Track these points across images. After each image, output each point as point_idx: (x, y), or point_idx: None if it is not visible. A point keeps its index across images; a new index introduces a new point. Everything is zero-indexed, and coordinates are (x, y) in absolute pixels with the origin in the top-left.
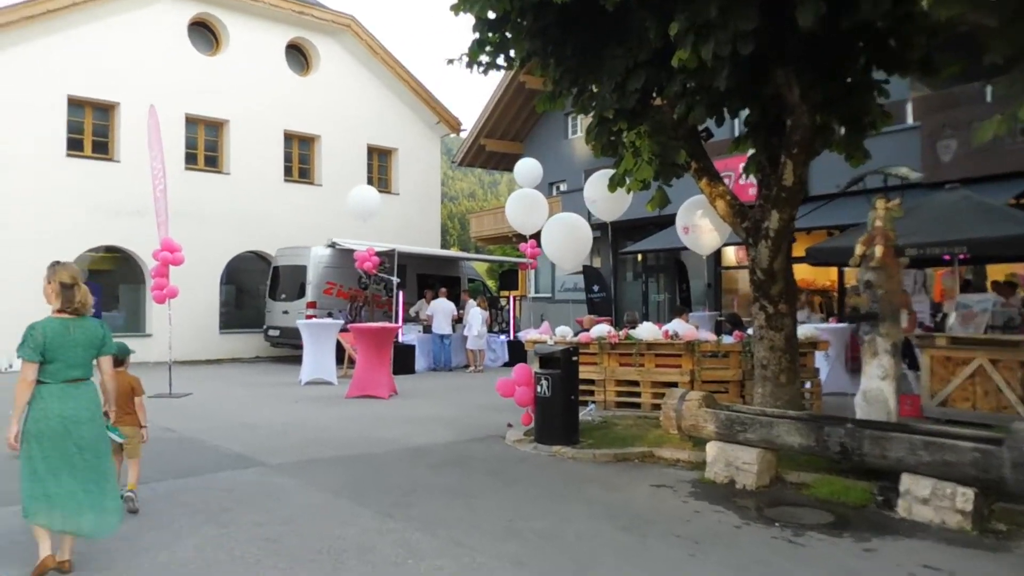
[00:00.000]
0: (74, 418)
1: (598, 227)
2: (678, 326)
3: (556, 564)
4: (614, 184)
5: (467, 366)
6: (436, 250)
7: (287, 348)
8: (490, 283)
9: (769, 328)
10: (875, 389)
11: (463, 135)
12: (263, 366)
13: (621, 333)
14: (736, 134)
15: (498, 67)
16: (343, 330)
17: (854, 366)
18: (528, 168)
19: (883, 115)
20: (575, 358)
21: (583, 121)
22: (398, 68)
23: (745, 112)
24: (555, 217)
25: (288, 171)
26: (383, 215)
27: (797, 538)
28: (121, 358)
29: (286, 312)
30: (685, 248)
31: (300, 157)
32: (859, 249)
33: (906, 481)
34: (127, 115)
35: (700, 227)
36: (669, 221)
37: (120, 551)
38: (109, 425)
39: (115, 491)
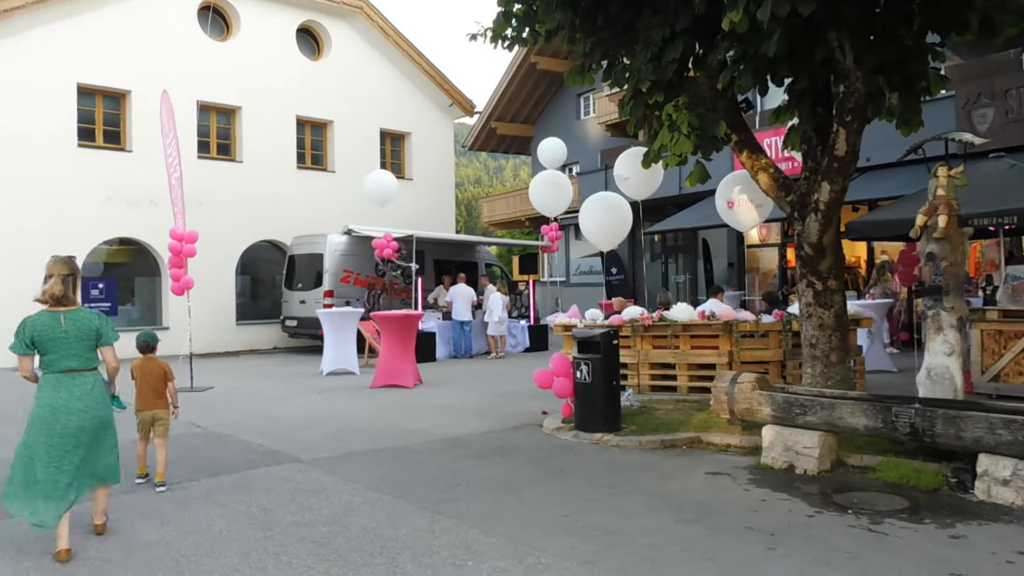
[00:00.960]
0: (63, 407)
1: None
2: (715, 306)
3: (626, 562)
4: (649, 160)
5: (488, 352)
6: (454, 235)
7: (305, 338)
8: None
9: (818, 305)
10: (941, 366)
11: (471, 120)
12: (281, 357)
13: (655, 315)
14: (771, 106)
15: (524, 41)
16: (363, 319)
17: (891, 343)
18: (552, 148)
19: (939, 79)
20: (615, 342)
21: (596, 102)
22: (410, 50)
23: (787, 82)
24: (594, 196)
25: (301, 158)
26: (397, 200)
27: (876, 526)
28: (152, 344)
29: (303, 302)
30: (707, 227)
31: (313, 143)
32: (920, 220)
33: (984, 462)
34: (138, 103)
35: (739, 202)
36: (689, 200)
37: (160, 559)
38: (114, 397)
39: (90, 478)
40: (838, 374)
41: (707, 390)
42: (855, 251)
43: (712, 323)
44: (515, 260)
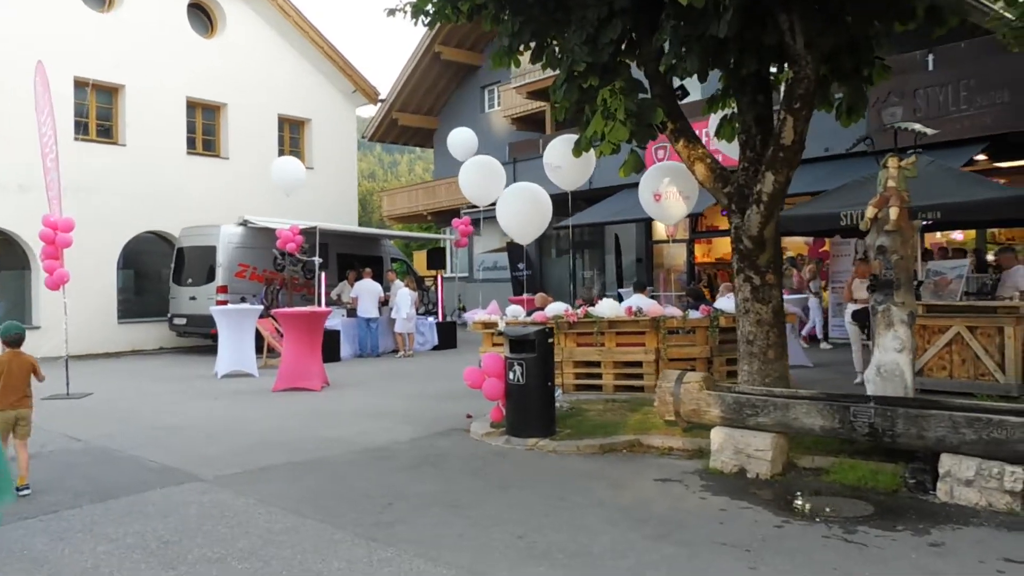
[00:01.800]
0: None
1: None
2: (641, 302)
3: None
4: (581, 148)
5: (395, 351)
6: (360, 228)
7: (196, 338)
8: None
9: (755, 301)
10: (891, 363)
11: (369, 113)
12: (169, 358)
13: (580, 311)
14: (696, 97)
15: (447, 18)
16: (262, 316)
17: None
18: (462, 138)
19: (883, 69)
20: (551, 340)
21: (501, 95)
22: (311, 32)
23: (722, 70)
24: (514, 186)
25: (191, 143)
26: (296, 190)
27: (851, 535)
28: (21, 337)
29: (193, 298)
30: (625, 221)
31: (204, 127)
32: (870, 211)
33: (947, 462)
34: (7, 77)
35: (667, 195)
36: (600, 195)
37: None
38: None
39: None
40: (776, 371)
41: (634, 389)
42: None
43: (640, 319)
44: (422, 255)
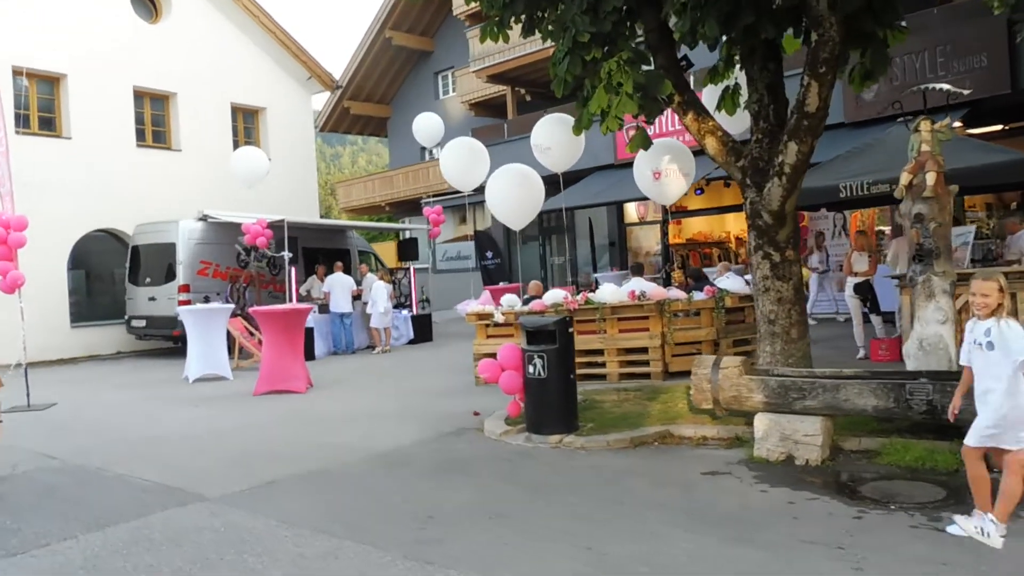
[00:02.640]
0: None
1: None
2: (643, 285)
3: None
4: (582, 125)
5: (370, 347)
6: (328, 220)
7: (156, 340)
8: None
9: (776, 278)
10: (934, 335)
11: (318, 104)
12: (130, 362)
13: (580, 298)
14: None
15: None
16: (232, 315)
17: None
18: (428, 123)
19: (900, 31)
20: (571, 329)
21: (458, 80)
22: (261, 15)
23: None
24: (504, 168)
25: (140, 134)
26: (258, 183)
27: (939, 523)
28: None
29: (153, 299)
30: (595, 205)
31: (154, 118)
32: (905, 178)
33: None
34: None
35: (668, 172)
36: (569, 180)
37: None
38: None
39: None
40: (799, 351)
41: (639, 376)
42: (725, 225)
43: (644, 303)
44: (385, 247)
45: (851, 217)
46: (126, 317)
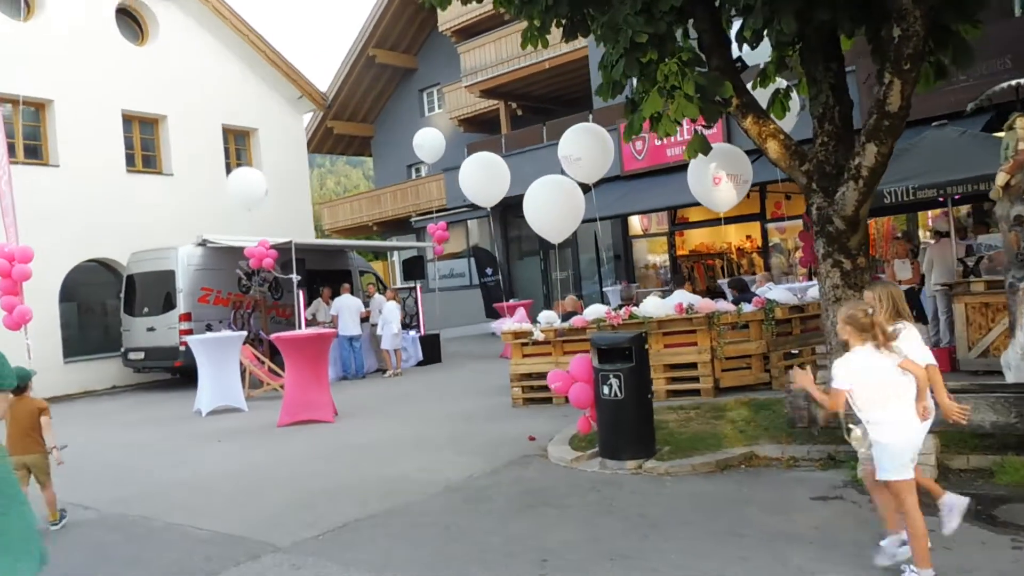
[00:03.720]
0: None
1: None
2: (687, 297)
3: None
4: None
5: (380, 370)
6: (331, 240)
7: (155, 372)
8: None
9: (847, 287)
10: None
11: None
12: (131, 398)
13: (623, 312)
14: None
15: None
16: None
17: None
18: (432, 137)
19: (974, 26)
20: (647, 346)
21: (447, 96)
22: (251, 35)
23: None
24: (542, 180)
25: (131, 159)
26: (257, 205)
27: None
28: (23, 384)
29: (151, 329)
30: (608, 218)
31: (143, 143)
32: (1002, 178)
33: None
34: None
35: (726, 178)
36: None
37: None
38: None
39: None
40: None
41: (687, 393)
42: (726, 237)
43: (693, 317)
44: (378, 265)
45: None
46: (122, 350)
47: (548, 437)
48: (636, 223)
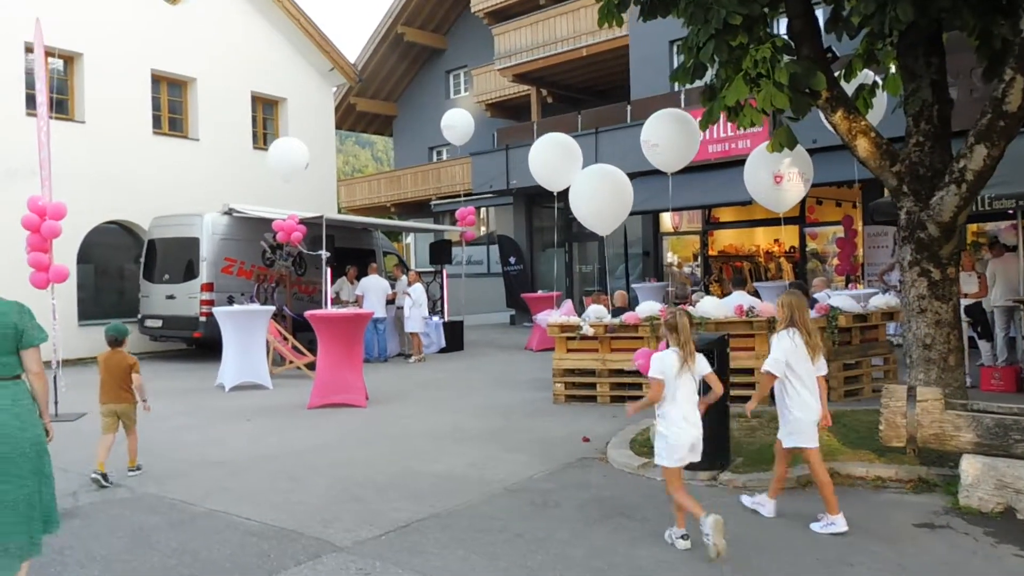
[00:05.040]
0: None
1: (509, 191)
2: (746, 299)
3: None
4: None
5: (402, 354)
6: (360, 218)
7: (172, 342)
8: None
9: (934, 298)
10: None
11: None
12: (147, 366)
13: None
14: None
15: None
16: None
17: None
18: (461, 120)
19: None
20: (728, 349)
21: (475, 79)
22: (286, 1)
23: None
24: (591, 169)
25: (157, 121)
26: (272, 177)
27: None
28: (120, 338)
29: (171, 297)
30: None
31: (171, 104)
32: None
33: None
34: None
35: (790, 176)
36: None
37: None
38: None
39: (26, 526)
40: (956, 380)
41: (744, 399)
42: (754, 239)
43: (753, 320)
44: (401, 248)
45: None
46: (139, 316)
47: (601, 439)
48: (667, 220)
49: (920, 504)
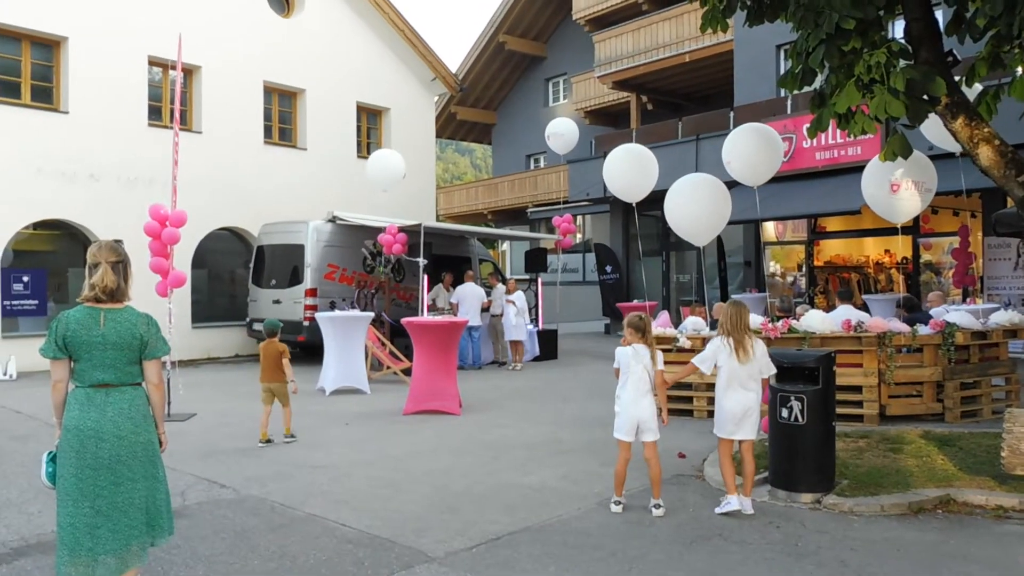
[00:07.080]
0: (93, 432)
1: (607, 199)
2: (856, 314)
3: None
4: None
5: (496, 362)
6: (457, 226)
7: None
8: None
9: None
10: None
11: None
12: (253, 368)
13: (780, 325)
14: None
15: None
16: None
17: None
18: (567, 127)
19: None
20: (835, 367)
21: (574, 87)
22: (390, 11)
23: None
24: (688, 178)
25: (268, 131)
26: (373, 186)
27: None
28: (274, 331)
29: (278, 301)
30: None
31: (281, 115)
32: None
33: None
34: (77, 53)
35: (907, 185)
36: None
37: None
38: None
39: (138, 529)
40: None
41: (850, 418)
42: (864, 249)
43: (862, 336)
44: (497, 255)
45: None
46: (247, 320)
47: (698, 455)
48: (771, 229)
49: None
